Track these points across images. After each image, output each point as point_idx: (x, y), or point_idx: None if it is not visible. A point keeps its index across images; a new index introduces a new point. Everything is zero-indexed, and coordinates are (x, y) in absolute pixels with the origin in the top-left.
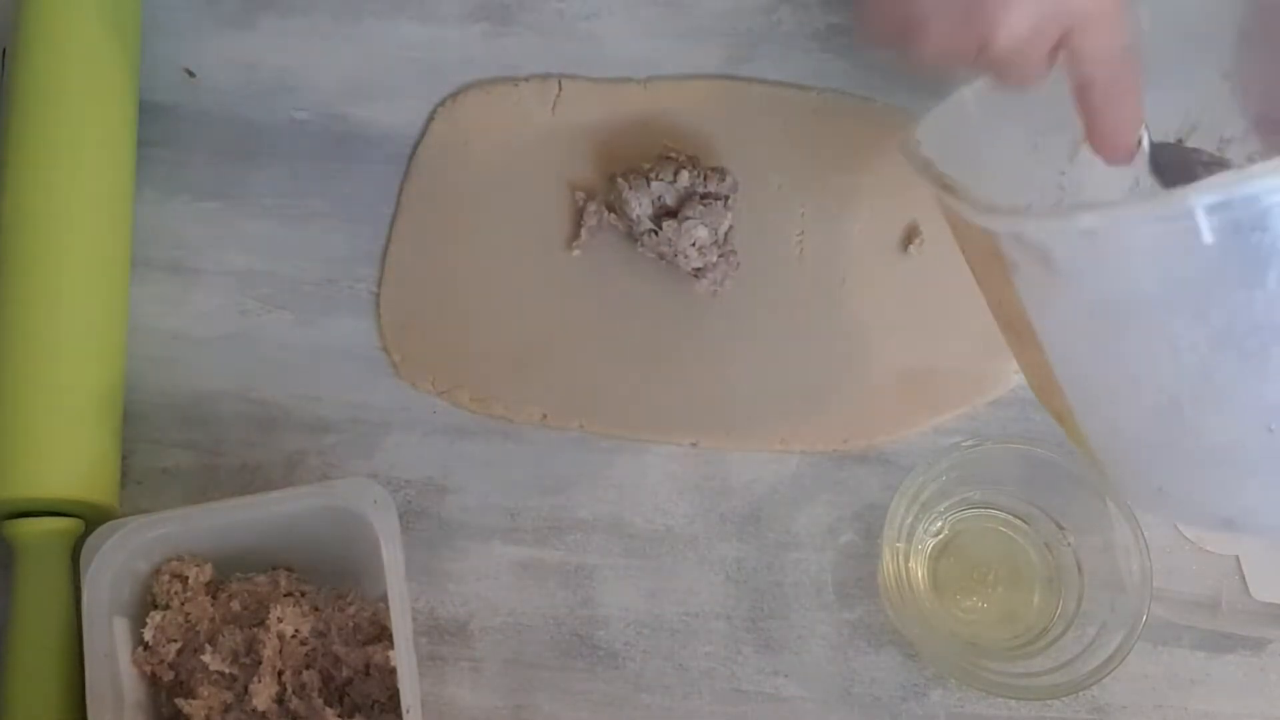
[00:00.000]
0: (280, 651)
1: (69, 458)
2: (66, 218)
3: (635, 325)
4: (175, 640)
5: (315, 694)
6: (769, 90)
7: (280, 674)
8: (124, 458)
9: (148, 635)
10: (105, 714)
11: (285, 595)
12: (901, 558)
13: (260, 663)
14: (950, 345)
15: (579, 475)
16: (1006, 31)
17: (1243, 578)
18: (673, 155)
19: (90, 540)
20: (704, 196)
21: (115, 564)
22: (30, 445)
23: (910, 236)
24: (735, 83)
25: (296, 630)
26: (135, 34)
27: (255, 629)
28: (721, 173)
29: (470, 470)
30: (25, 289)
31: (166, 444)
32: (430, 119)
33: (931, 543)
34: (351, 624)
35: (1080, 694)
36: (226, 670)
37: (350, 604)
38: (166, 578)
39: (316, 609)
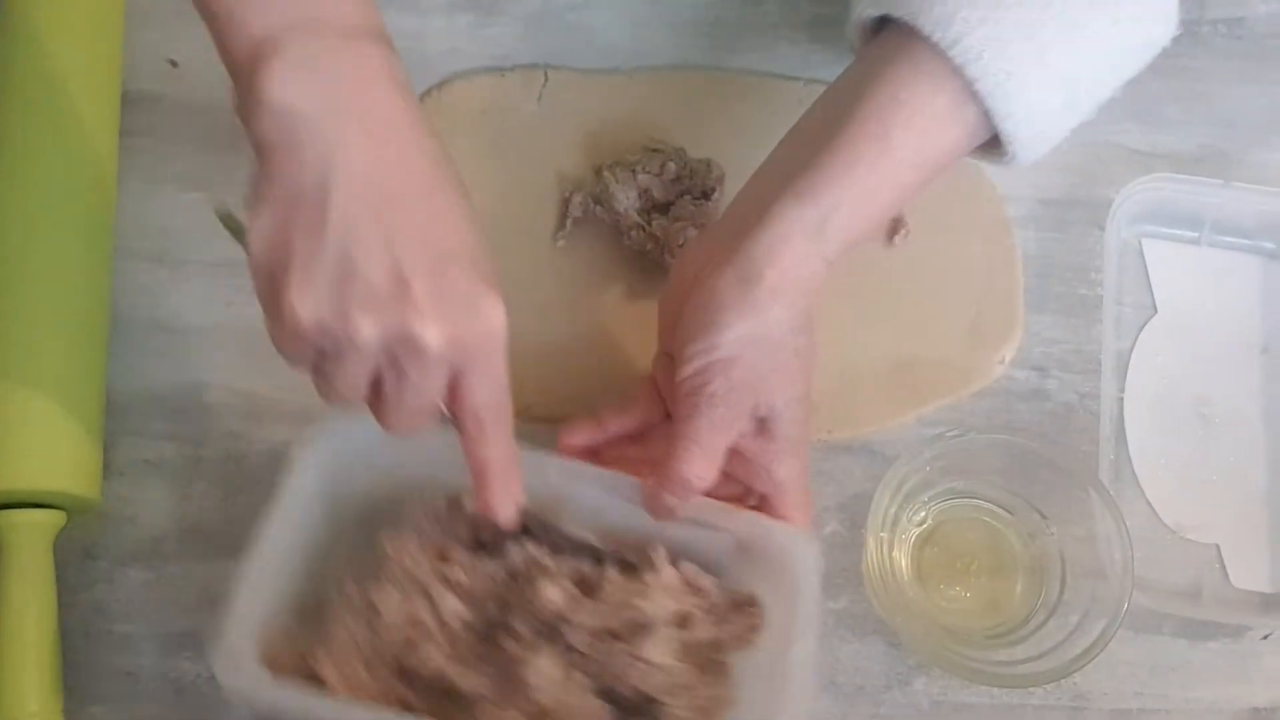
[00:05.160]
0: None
1: (50, 450)
2: (47, 208)
3: (620, 316)
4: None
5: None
6: (755, 81)
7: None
8: (106, 449)
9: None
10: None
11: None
12: (886, 547)
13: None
14: (934, 336)
15: None
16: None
17: (1223, 566)
18: (659, 147)
19: None
20: (692, 193)
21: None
22: (11, 438)
23: (895, 228)
24: (721, 74)
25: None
26: (117, 23)
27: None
28: (708, 164)
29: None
30: (5, 280)
31: (149, 436)
32: None
33: (915, 532)
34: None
35: (1062, 681)
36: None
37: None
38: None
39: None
